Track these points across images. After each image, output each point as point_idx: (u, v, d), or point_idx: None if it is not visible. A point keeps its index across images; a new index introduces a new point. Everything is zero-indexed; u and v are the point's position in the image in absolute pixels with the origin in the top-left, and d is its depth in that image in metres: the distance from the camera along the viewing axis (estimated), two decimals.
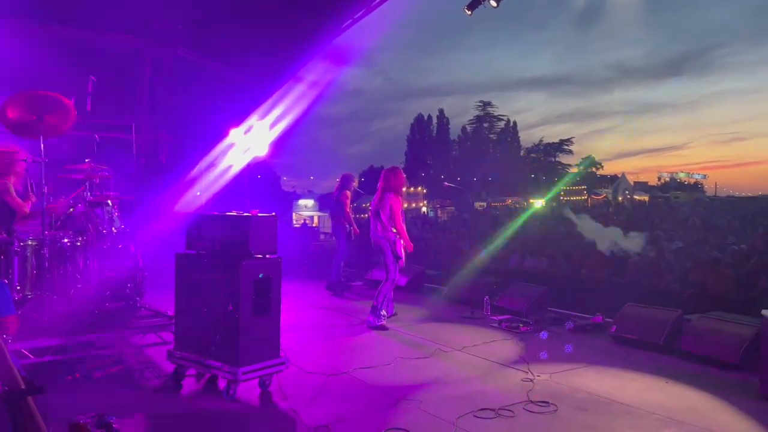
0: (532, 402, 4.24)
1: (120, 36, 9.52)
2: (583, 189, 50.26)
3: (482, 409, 4.05)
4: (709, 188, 67.81)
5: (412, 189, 44.47)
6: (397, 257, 6.70)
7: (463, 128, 65.76)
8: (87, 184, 5.87)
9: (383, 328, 6.54)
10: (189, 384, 4.56)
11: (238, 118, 9.66)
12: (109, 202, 6.04)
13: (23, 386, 2.05)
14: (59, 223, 5.76)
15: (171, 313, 5.16)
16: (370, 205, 7.07)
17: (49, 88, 5.39)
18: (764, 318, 4.49)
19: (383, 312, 6.67)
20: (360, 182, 10.28)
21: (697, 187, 66.52)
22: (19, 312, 4.94)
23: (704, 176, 71.67)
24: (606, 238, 10.14)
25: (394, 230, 6.67)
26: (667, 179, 67.23)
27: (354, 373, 4.91)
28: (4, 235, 5.05)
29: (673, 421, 3.91)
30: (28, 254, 5.24)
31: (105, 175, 6.09)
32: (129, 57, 9.76)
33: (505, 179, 50.58)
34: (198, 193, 10.56)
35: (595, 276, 9.20)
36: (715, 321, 5.58)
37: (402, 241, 6.73)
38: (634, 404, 4.23)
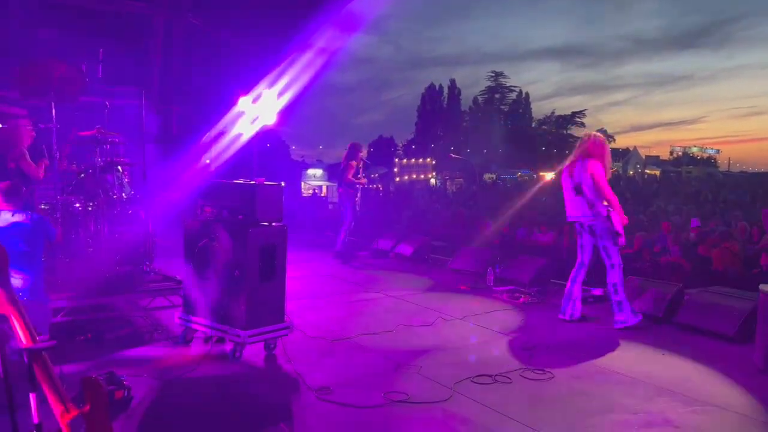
0: (529, 369, 4.35)
1: (131, 2, 9.51)
2: None
3: (480, 375, 4.17)
4: (722, 163, 67.15)
5: (421, 160, 44.29)
6: (617, 235, 5.49)
7: (475, 99, 65.10)
8: (98, 150, 5.97)
9: (639, 325, 5.51)
10: (197, 346, 4.71)
11: (247, 87, 9.68)
12: (119, 168, 6.14)
13: (36, 342, 2.16)
14: (71, 188, 5.88)
15: (180, 277, 5.29)
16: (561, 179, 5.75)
17: (60, 55, 5.46)
18: (762, 293, 4.55)
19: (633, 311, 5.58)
20: (369, 152, 10.32)
21: (710, 161, 65.85)
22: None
23: (717, 151, 70.92)
24: None
25: (605, 203, 5.52)
26: (680, 154, 66.61)
27: (357, 339, 5.04)
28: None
29: (665, 390, 4.01)
30: None
31: (115, 141, 6.17)
32: (140, 24, 9.76)
33: (516, 151, 50.23)
34: (208, 161, 10.66)
35: None
36: (714, 295, 5.65)
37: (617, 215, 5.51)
38: (629, 373, 4.33)
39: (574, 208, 5.68)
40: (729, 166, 64.95)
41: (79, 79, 5.47)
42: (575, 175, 5.61)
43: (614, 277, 5.50)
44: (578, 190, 5.57)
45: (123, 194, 6.06)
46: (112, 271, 5.60)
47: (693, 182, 26.71)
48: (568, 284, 5.87)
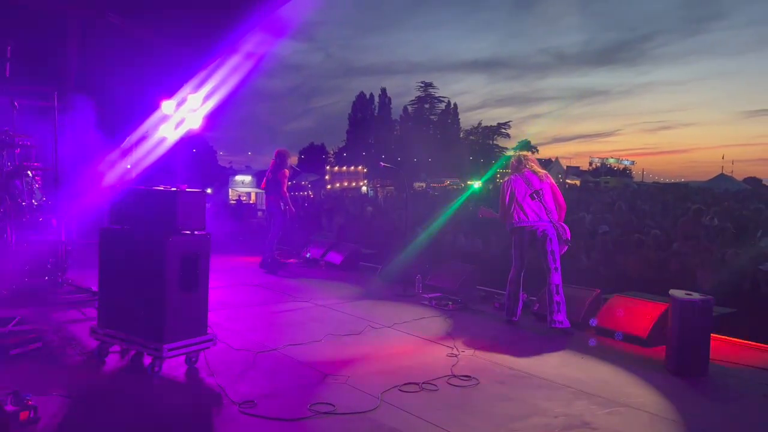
0: (455, 376, 4.40)
1: None
2: None
3: (407, 384, 4.18)
4: (637, 174, 71.09)
5: (352, 168, 44.38)
6: (567, 242, 5.89)
7: (405, 108, 65.96)
8: (5, 153, 5.60)
9: (571, 331, 5.70)
10: (113, 361, 4.48)
11: (171, 90, 9.37)
12: (29, 173, 5.79)
13: None
14: None
15: (96, 288, 5.03)
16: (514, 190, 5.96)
17: None
18: (672, 297, 4.80)
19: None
20: (300, 159, 10.25)
21: (625, 172, 69.54)
22: None
23: (633, 162, 75.05)
24: None
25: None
26: (598, 164, 69.93)
27: (283, 349, 4.95)
28: None
29: (584, 393, 4.16)
30: None
31: (26, 144, 5.82)
32: (53, 20, 9.26)
33: (445, 160, 51.19)
34: (128, 167, 10.24)
35: None
36: (628, 300, 5.92)
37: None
38: (551, 378, 4.46)
39: (529, 213, 5.91)
40: (643, 177, 68.85)
41: None
42: (533, 183, 5.94)
43: (558, 279, 5.77)
44: (536, 196, 5.86)
45: (33, 201, 5.72)
46: (21, 282, 5.26)
47: (610, 192, 28.03)
48: (513, 287, 6.11)
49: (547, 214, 5.87)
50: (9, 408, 3.24)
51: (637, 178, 64.12)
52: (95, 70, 9.47)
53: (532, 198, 5.89)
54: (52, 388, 3.84)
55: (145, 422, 3.52)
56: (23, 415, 3.26)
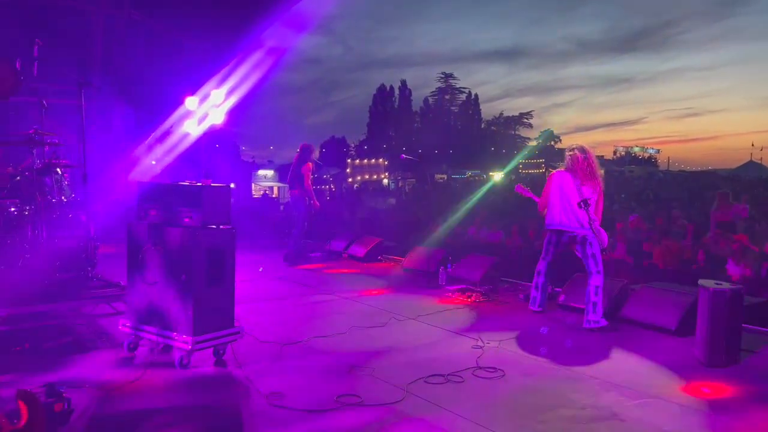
0: (481, 368, 4.39)
1: None
2: (542, 162, 51.12)
3: (433, 375, 4.18)
4: (662, 162, 69.87)
5: (373, 160, 44.40)
6: (605, 250, 5.90)
7: (425, 100, 65.75)
8: (35, 151, 5.71)
9: (608, 328, 5.54)
10: (142, 354, 4.55)
11: (195, 86, 9.46)
12: (58, 170, 5.90)
13: None
14: (5, 191, 5.61)
15: (124, 283, 5.11)
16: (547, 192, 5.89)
17: None
18: (701, 287, 4.73)
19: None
20: (321, 153, 10.26)
21: (650, 161, 68.44)
22: None
23: (658, 151, 73.81)
24: None
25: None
26: (623, 153, 68.94)
27: (309, 342, 4.98)
28: None
29: (612, 385, 4.11)
30: None
31: (54, 142, 5.93)
32: (79, 19, 9.40)
33: (466, 151, 50.95)
34: (153, 162, 10.37)
35: None
36: (656, 290, 5.84)
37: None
38: (578, 369, 4.43)
39: (572, 218, 5.79)
40: (668, 165, 67.66)
41: (13, 76, 5.22)
42: (584, 191, 5.75)
43: (600, 281, 5.66)
44: (584, 205, 5.69)
45: (62, 197, 5.83)
46: (52, 277, 5.38)
47: (636, 181, 27.65)
48: (540, 278, 6.13)
49: (589, 222, 5.74)
50: (44, 400, 3.32)
51: (662, 167, 63.02)
52: (122, 66, 9.60)
53: (580, 206, 5.72)
54: (84, 380, 3.92)
55: (174, 414, 3.57)
56: (58, 407, 3.33)
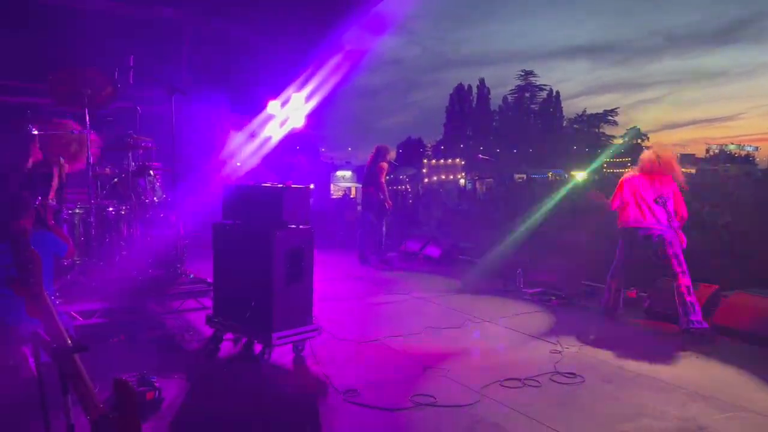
0: (559, 373, 4.29)
1: (158, 8, 9.70)
2: (627, 161, 48.98)
3: (509, 379, 4.12)
4: (761, 161, 65.25)
5: (450, 161, 44.13)
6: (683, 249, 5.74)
7: (504, 98, 64.66)
8: (130, 154, 6.09)
9: (709, 332, 5.29)
10: (226, 347, 4.76)
11: (276, 90, 9.78)
12: (151, 172, 6.26)
13: (70, 344, 2.21)
14: (104, 192, 6.02)
15: (210, 280, 5.36)
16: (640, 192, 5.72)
17: (93, 63, 5.60)
18: None
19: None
20: (398, 153, 10.35)
21: (748, 159, 64.12)
22: (68, 276, 5.25)
23: (756, 148, 68.94)
24: None
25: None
26: (716, 151, 65.02)
27: (384, 341, 5.04)
28: (54, 203, 5.31)
29: (700, 395, 3.91)
30: (76, 222, 5.53)
31: (148, 146, 6.29)
32: (168, 29, 9.93)
33: (547, 151, 49.70)
34: (238, 164, 10.79)
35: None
36: (751, 297, 5.49)
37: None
38: (663, 378, 4.23)
39: (648, 215, 5.70)
40: None
41: (111, 85, 5.60)
42: (657, 187, 5.70)
43: (687, 280, 5.50)
44: (660, 201, 5.64)
45: (155, 198, 6.18)
46: (145, 273, 5.71)
47: (731, 181, 25.98)
48: (615, 282, 6.04)
49: (668, 219, 5.62)
50: (137, 388, 3.54)
51: (761, 165, 58.87)
52: (207, 73, 10.05)
53: (656, 202, 5.65)
54: (172, 371, 4.15)
55: (256, 407, 3.72)
56: (149, 395, 3.56)
